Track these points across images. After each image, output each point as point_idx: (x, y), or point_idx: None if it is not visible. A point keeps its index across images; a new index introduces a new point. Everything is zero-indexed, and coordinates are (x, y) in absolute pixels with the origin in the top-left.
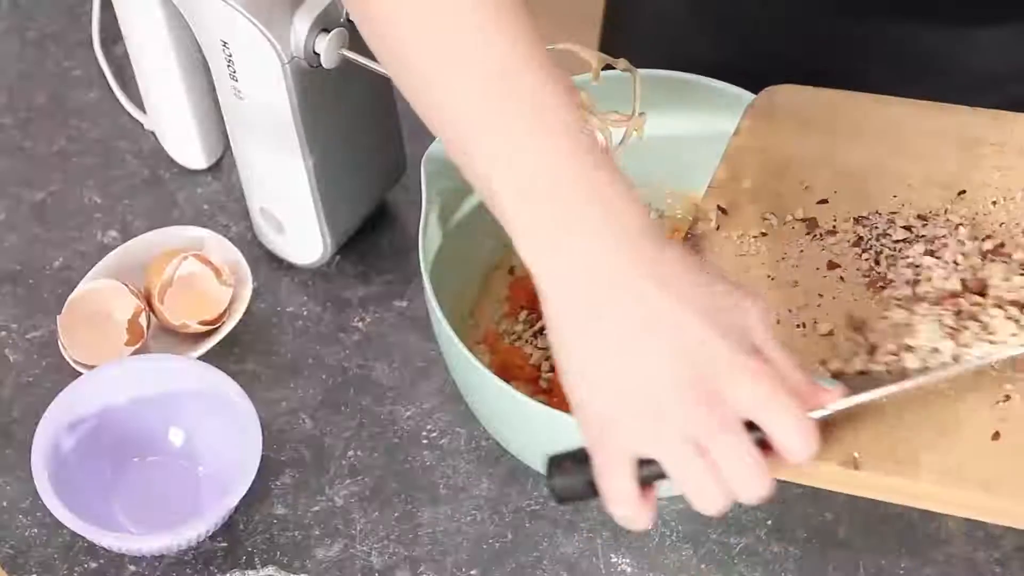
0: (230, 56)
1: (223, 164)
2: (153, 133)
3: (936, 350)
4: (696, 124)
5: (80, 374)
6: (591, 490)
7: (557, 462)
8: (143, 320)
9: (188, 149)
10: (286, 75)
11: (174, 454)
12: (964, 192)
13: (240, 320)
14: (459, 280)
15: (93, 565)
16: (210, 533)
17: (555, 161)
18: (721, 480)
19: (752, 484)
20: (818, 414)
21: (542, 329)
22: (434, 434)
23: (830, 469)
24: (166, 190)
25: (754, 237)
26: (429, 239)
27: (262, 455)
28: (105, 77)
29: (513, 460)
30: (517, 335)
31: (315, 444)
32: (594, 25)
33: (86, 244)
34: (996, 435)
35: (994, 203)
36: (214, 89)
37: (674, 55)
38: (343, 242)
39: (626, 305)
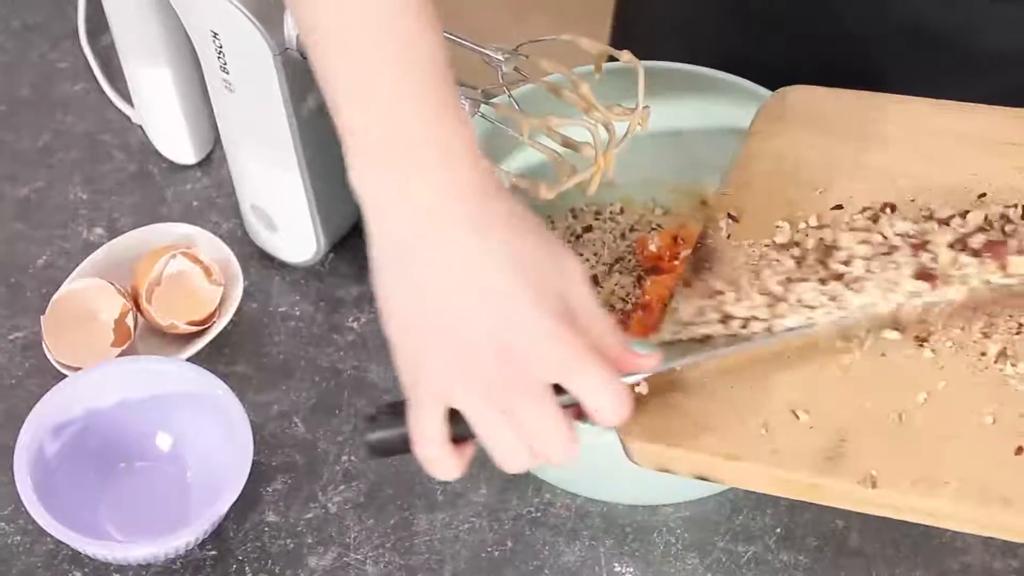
0: (220, 47)
1: (213, 159)
2: (141, 127)
3: (755, 318)
4: (704, 118)
5: (65, 376)
6: (406, 445)
7: (373, 416)
8: (130, 320)
9: (177, 144)
10: (278, 67)
11: (162, 459)
12: (984, 195)
13: (230, 320)
14: None
15: (78, 574)
16: (199, 541)
17: (414, 108)
18: (524, 440)
19: (556, 448)
20: (632, 379)
21: None
22: None
23: (846, 487)
24: (154, 186)
25: (766, 246)
26: None
27: (253, 460)
28: (91, 69)
29: None
30: None
31: (308, 449)
32: (605, 18)
33: (71, 242)
34: (1019, 450)
35: (1016, 206)
36: (204, 81)
37: (685, 49)
38: (337, 240)
39: (445, 252)
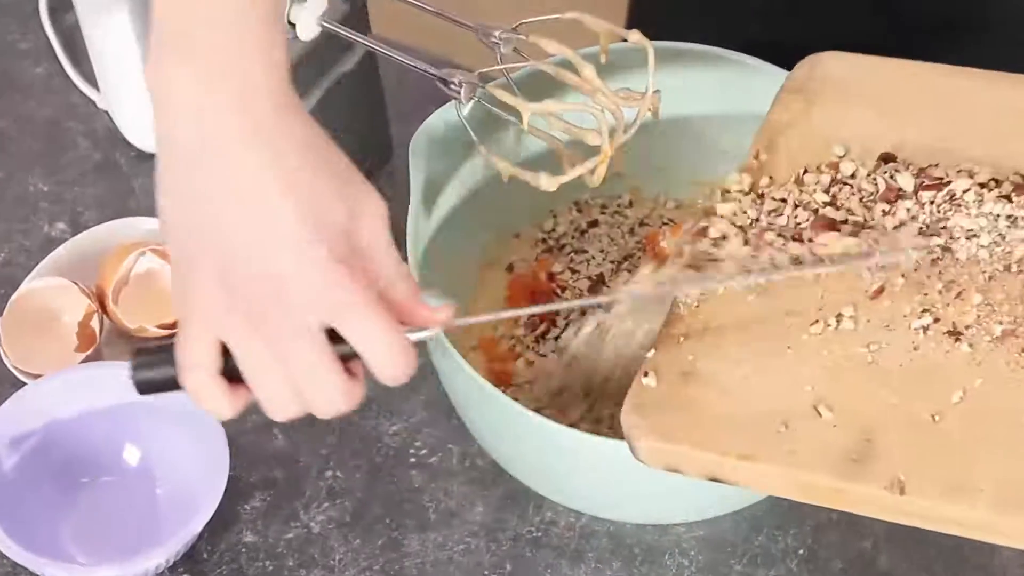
0: None
1: None
2: (107, 113)
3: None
4: (720, 103)
5: (24, 384)
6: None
7: (143, 349)
8: (95, 323)
9: (146, 131)
10: None
11: (130, 474)
12: None
13: None
14: (451, 278)
15: None
16: (170, 563)
17: (232, 12)
18: (290, 384)
19: (324, 397)
20: (421, 335)
21: (545, 333)
22: (423, 452)
23: (871, 492)
24: (121, 177)
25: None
26: (417, 232)
27: (229, 475)
28: (53, 50)
29: (512, 481)
30: (517, 340)
31: (289, 463)
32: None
33: (31, 237)
34: None
35: None
36: None
37: (706, 30)
38: None
39: (225, 170)
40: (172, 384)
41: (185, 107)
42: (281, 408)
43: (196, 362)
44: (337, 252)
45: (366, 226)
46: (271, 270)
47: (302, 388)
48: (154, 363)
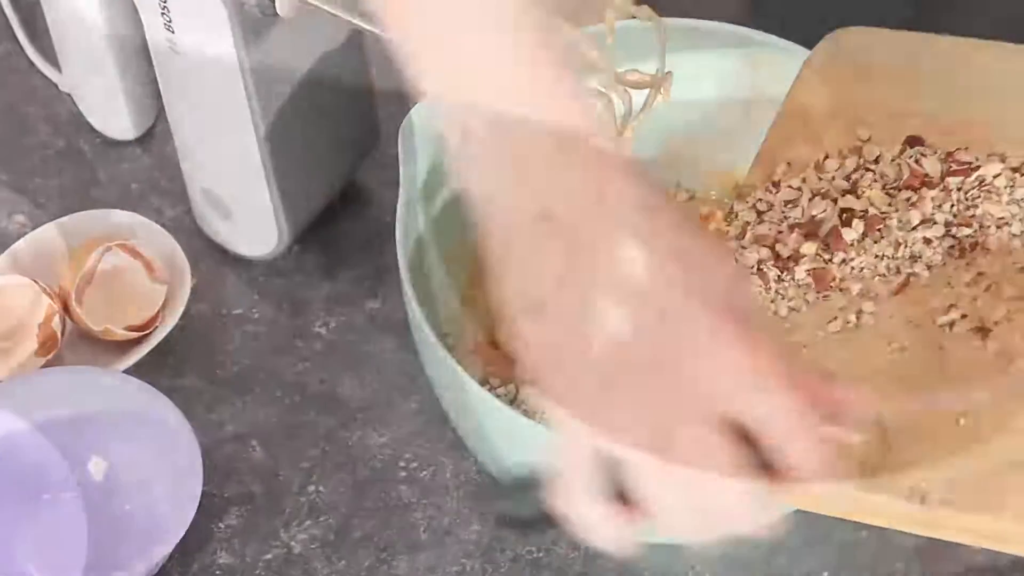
0: (164, 2)
1: (155, 134)
2: (70, 96)
3: None
4: (739, 86)
5: None
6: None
7: (507, 481)
8: (57, 325)
9: (112, 116)
10: (233, 25)
11: (94, 488)
12: None
13: (176, 325)
14: (445, 275)
15: None
16: None
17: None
18: (682, 487)
19: (734, 508)
20: (834, 432)
21: None
22: (413, 465)
23: (890, 502)
24: (86, 165)
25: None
26: (408, 226)
27: (202, 491)
28: (11, 27)
29: None
30: None
31: (267, 477)
32: None
33: None
34: None
35: None
36: (145, 42)
37: (731, 6)
38: (302, 230)
39: (579, 242)
40: (546, 519)
41: (515, 198)
42: (688, 528)
43: (580, 486)
44: (727, 315)
45: (738, 291)
46: (663, 355)
47: (705, 497)
48: (519, 494)
